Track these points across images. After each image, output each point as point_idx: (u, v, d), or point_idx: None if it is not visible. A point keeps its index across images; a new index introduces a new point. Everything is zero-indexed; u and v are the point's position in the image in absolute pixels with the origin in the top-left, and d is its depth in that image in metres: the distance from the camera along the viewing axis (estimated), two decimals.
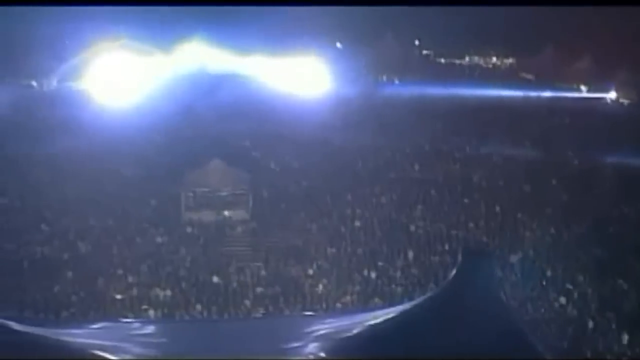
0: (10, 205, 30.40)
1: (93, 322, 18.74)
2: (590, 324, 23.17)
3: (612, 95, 38.94)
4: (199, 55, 38.06)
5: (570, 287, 25.12)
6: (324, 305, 25.15)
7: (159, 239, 28.97)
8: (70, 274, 26.58)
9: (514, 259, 26.76)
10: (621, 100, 38.61)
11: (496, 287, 15.91)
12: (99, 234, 29.02)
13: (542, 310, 23.96)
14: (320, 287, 26.43)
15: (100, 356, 15.17)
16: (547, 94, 38.60)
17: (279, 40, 37.61)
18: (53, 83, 39.05)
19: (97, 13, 34.84)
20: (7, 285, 25.36)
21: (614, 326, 22.87)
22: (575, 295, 24.76)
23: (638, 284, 24.61)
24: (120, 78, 36.03)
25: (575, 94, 39.13)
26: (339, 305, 25.16)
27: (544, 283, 25.51)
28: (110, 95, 35.64)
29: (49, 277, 26.42)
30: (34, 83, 39.14)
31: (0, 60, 37.92)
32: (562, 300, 24.56)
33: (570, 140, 32.58)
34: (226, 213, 30.53)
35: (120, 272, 26.81)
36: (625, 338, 22.26)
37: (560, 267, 26.17)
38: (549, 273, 26.00)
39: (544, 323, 22.60)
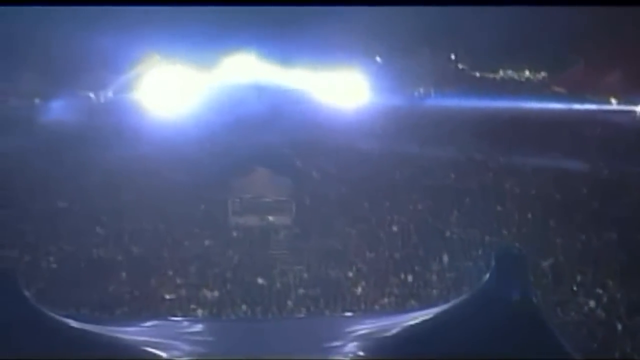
0: (69, 209, 30.65)
1: (145, 320, 18.85)
2: (619, 327, 22.92)
3: None
4: (245, 69, 38.05)
5: (600, 291, 24.88)
6: (363, 307, 25.13)
7: (206, 242, 29.07)
8: (123, 274, 26.79)
9: (545, 264, 26.55)
10: None
11: (528, 291, 15.69)
12: (151, 237, 29.19)
13: (572, 313, 23.76)
14: (359, 289, 26.39)
15: (151, 353, 15.22)
16: (578, 106, 38.15)
17: (322, 54, 37.50)
18: (109, 94, 39.21)
19: (149, 27, 34.97)
20: (65, 285, 25.60)
21: None
22: (605, 299, 24.50)
23: None
24: (171, 90, 36.13)
25: (606, 107, 38.61)
26: (377, 306, 25.12)
27: (575, 288, 25.28)
28: (161, 106, 35.75)
29: (104, 277, 26.65)
30: (92, 94, 39.35)
31: (61, 74, 38.26)
32: (592, 304, 24.33)
33: (601, 151, 32.23)
34: (270, 218, 30.55)
35: (170, 273, 26.97)
36: None
37: (590, 273, 25.93)
38: (579, 278, 25.77)
39: (574, 326, 22.40)
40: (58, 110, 36.97)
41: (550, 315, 16.38)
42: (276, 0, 35.61)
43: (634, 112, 38.07)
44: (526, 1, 34.87)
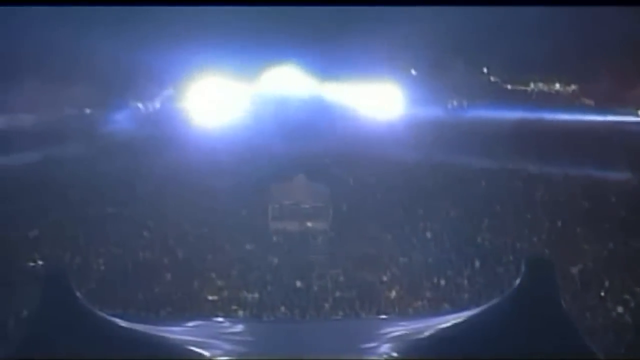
0: (117, 214, 30.87)
1: (188, 320, 18.88)
2: None
3: None
4: (286, 81, 38.16)
5: (627, 297, 24.59)
6: (397, 309, 25.02)
7: (247, 246, 29.12)
8: (168, 276, 26.90)
9: (574, 270, 26.31)
10: None
11: (557, 296, 15.60)
12: (195, 241, 29.31)
13: (600, 318, 23.49)
14: (394, 292, 26.30)
15: (194, 351, 15.28)
16: (607, 118, 37.85)
17: (360, 67, 37.54)
18: (156, 105, 39.51)
19: (194, 41, 35.22)
20: (113, 286, 25.77)
21: None
22: (632, 305, 24.22)
23: None
24: (214, 100, 36.35)
25: (633, 119, 38.30)
26: (410, 309, 25.01)
27: (603, 293, 25.02)
28: (206, 116, 35.99)
29: (150, 279, 26.76)
30: (140, 105, 39.67)
31: (111, 86, 38.61)
32: (620, 309, 24.05)
33: (628, 161, 31.91)
34: (308, 224, 30.56)
35: (212, 275, 27.04)
36: None
37: (618, 279, 25.64)
38: (607, 284, 25.49)
39: (602, 330, 22.14)
40: (108, 119, 37.34)
41: (579, 320, 16.21)
42: (276, 0, 35.67)
43: None
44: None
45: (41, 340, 14.82)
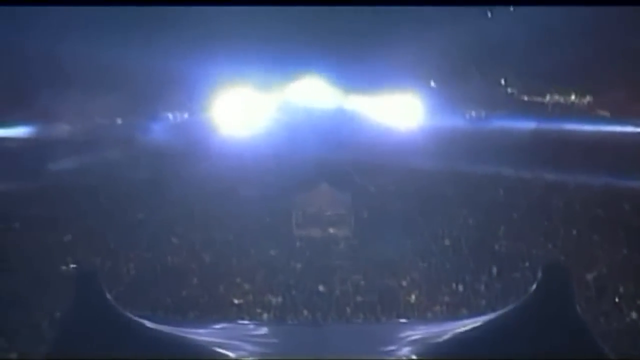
0: (146, 220, 31.03)
1: (214, 323, 18.91)
2: None
3: None
4: (310, 92, 38.25)
5: None
6: (416, 314, 24.95)
7: (272, 252, 29.17)
8: (195, 280, 27.00)
9: (589, 276, 26.16)
10: None
11: (572, 301, 15.49)
12: (221, 246, 29.41)
13: (615, 323, 23.34)
14: (413, 297, 26.26)
15: (220, 353, 15.29)
16: (621, 129, 37.65)
17: (380, 80, 37.56)
18: (184, 116, 39.70)
19: (221, 52, 35.40)
20: (142, 289, 25.88)
21: None
22: None
23: None
24: (239, 111, 36.46)
25: None
26: (429, 313, 24.93)
27: (617, 299, 24.87)
28: (232, 126, 36.10)
29: (177, 282, 26.88)
30: (170, 115, 39.89)
31: (142, 96, 38.85)
32: (634, 315, 23.90)
33: None
34: (331, 230, 30.58)
35: (238, 280, 27.10)
36: None
37: (631, 285, 25.47)
38: (621, 290, 25.33)
39: (616, 335, 22.00)
40: (138, 129, 37.53)
41: (594, 326, 16.12)
42: (277, 1, 35.64)
43: None
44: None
45: (73, 340, 14.91)
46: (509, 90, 44.87)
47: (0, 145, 35.10)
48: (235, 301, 26.03)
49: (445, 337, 15.75)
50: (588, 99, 43.78)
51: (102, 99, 38.15)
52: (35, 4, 32.31)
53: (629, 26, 36.69)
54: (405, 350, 15.25)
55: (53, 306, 23.44)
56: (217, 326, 17.61)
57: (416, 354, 15.11)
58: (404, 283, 27.02)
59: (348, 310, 25.48)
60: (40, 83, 35.15)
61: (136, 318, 15.91)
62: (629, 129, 37.68)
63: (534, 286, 15.71)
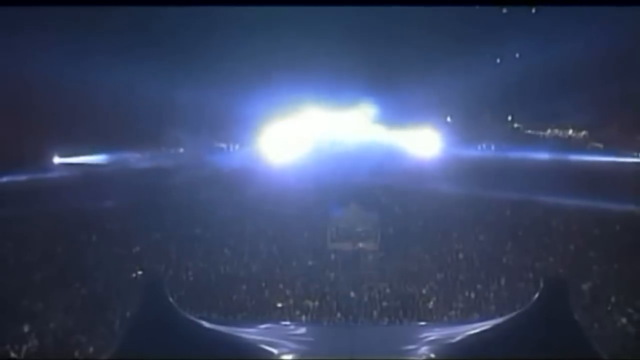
0: (203, 235, 31.17)
1: (260, 323, 19.01)
2: None
3: None
4: (344, 125, 38.45)
5: (630, 311, 24.07)
6: (434, 317, 24.79)
7: (309, 263, 29.16)
8: (244, 286, 27.03)
9: (584, 287, 25.87)
10: None
11: (570, 308, 15.40)
12: (266, 257, 29.45)
13: (607, 328, 23.02)
14: (431, 303, 26.10)
15: (265, 349, 15.33)
16: (613, 159, 37.34)
17: (405, 116, 37.69)
18: (236, 146, 40.03)
19: (265, 90, 35.86)
20: (199, 294, 25.98)
21: None
22: (635, 317, 23.71)
23: None
24: (283, 142, 36.70)
25: (636, 159, 37.78)
26: (445, 317, 24.76)
27: (609, 307, 24.55)
28: (276, 155, 36.33)
29: (229, 288, 26.92)
30: (224, 145, 40.24)
31: (201, 129, 39.28)
32: (624, 320, 23.57)
33: (632, 194, 31.28)
34: (360, 245, 30.49)
35: (280, 286, 27.10)
36: None
37: (622, 295, 25.12)
38: (613, 299, 25.00)
39: (608, 339, 21.68)
40: (197, 157, 37.88)
41: (589, 329, 15.93)
42: (276, 1, 35.56)
43: None
44: None
45: (141, 336, 15.04)
46: (515, 125, 44.69)
47: (83, 171, 35.70)
48: (278, 305, 26.01)
49: (459, 338, 15.73)
50: (584, 133, 43.48)
51: (167, 132, 38.65)
52: (35, 4, 31.84)
53: (619, 74, 36.65)
54: (425, 350, 15.23)
55: (124, 308, 23.64)
56: (263, 326, 17.69)
57: (434, 353, 15.10)
58: (424, 291, 26.86)
59: (375, 313, 25.37)
60: (114, 116, 35.77)
61: (194, 318, 16.04)
62: (620, 159, 37.41)
63: (537, 295, 15.63)
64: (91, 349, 21.89)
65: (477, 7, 41.92)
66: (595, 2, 33.46)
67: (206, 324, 16.01)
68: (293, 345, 15.69)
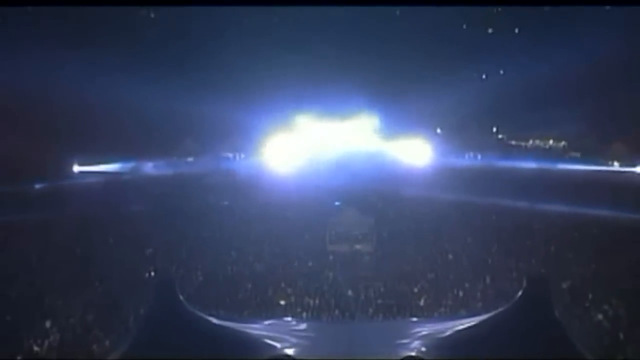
0: (211, 238, 31.15)
1: (264, 319, 18.91)
2: (621, 336, 22.13)
3: (638, 169, 37.59)
4: (341, 137, 38.59)
5: (606, 307, 24.00)
6: (425, 314, 24.71)
7: (310, 263, 29.10)
8: (249, 285, 26.94)
9: (564, 285, 25.81)
10: None
11: (551, 305, 15.36)
12: (270, 258, 29.40)
13: (586, 324, 22.95)
14: (422, 300, 26.02)
15: (269, 344, 15.28)
16: (590, 167, 37.50)
17: (398, 127, 37.88)
18: (242, 155, 40.11)
19: (268, 103, 36.08)
20: (208, 292, 25.92)
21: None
22: (610, 313, 23.64)
23: None
24: (285, 151, 36.85)
25: (610, 168, 37.93)
26: (435, 314, 24.68)
27: (587, 304, 24.49)
28: (279, 163, 36.48)
29: (236, 287, 26.84)
30: (230, 155, 40.32)
31: (208, 140, 39.35)
32: (600, 317, 23.50)
33: (607, 200, 31.28)
34: (357, 246, 30.48)
35: (283, 285, 27.00)
36: None
37: (599, 293, 25.04)
38: (590, 297, 24.93)
39: (586, 334, 21.60)
40: (205, 166, 37.99)
41: (568, 325, 15.88)
42: (276, 1, 35.54)
43: (632, 172, 37.37)
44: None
45: (153, 331, 14.99)
46: (500, 136, 44.90)
47: (101, 178, 35.81)
48: (281, 302, 25.91)
49: (448, 332, 15.71)
50: (563, 143, 43.69)
51: (178, 143, 38.78)
52: (35, 4, 31.15)
53: (595, 90, 37.00)
54: (416, 344, 15.19)
55: (138, 305, 23.57)
56: (266, 322, 17.62)
57: (425, 347, 15.04)
58: (415, 289, 26.78)
59: (371, 310, 25.27)
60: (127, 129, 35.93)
61: (203, 315, 15.97)
62: (596, 167, 37.57)
63: (520, 293, 15.59)
64: (107, 342, 21.81)
65: (464, 28, 42.42)
66: (596, 2, 33.57)
67: (214, 320, 15.96)
68: (294, 340, 15.64)
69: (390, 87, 39.00)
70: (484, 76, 43.91)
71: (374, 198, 34.74)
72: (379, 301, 25.91)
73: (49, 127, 34.96)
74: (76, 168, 36.48)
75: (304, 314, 24.91)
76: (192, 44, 38.97)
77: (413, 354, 14.66)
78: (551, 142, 44.49)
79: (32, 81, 32.28)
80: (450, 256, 29.43)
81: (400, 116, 38.13)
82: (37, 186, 32.71)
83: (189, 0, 34.82)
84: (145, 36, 39.70)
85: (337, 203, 33.43)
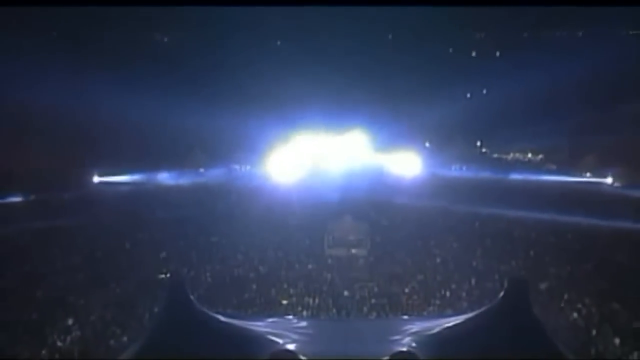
0: (219, 242, 31.14)
1: (268, 317, 18.92)
2: (594, 332, 22.10)
3: (608, 180, 37.69)
4: (341, 151, 38.73)
5: (580, 306, 23.99)
6: (415, 312, 24.69)
7: (310, 266, 29.09)
8: (254, 286, 26.92)
9: (542, 286, 25.80)
10: (615, 184, 37.46)
11: (530, 305, 15.39)
12: (273, 261, 29.38)
13: (561, 321, 22.93)
14: (413, 300, 26.01)
15: (271, 340, 15.29)
16: (565, 178, 37.62)
17: (391, 142, 38.02)
18: (247, 167, 40.19)
19: (272, 119, 36.26)
20: (216, 292, 25.90)
21: (610, 334, 21.77)
22: (584, 312, 23.62)
23: (628, 306, 23.31)
24: (287, 163, 36.93)
25: (583, 179, 38.06)
26: (424, 312, 24.67)
27: (562, 304, 24.48)
28: (281, 174, 36.57)
29: (241, 287, 26.82)
30: (237, 167, 40.40)
31: (218, 152, 39.45)
32: (575, 315, 23.48)
33: (580, 207, 31.28)
34: (353, 251, 30.46)
35: (285, 286, 26.99)
36: (617, 342, 21.38)
37: (574, 293, 25.04)
38: (565, 297, 24.91)
39: (562, 331, 21.59)
40: (215, 176, 38.03)
41: (545, 322, 15.88)
42: (276, 1, 35.40)
43: (603, 182, 37.51)
44: None
45: (166, 328, 14.99)
46: (483, 150, 44.97)
47: (118, 188, 35.85)
48: (283, 302, 25.89)
49: (437, 330, 15.78)
50: (541, 156, 43.76)
51: (196, 156, 38.99)
52: (36, 4, 30.51)
53: (570, 108, 37.24)
54: (407, 340, 15.22)
55: (152, 304, 23.56)
56: (270, 320, 17.65)
57: (415, 342, 15.07)
58: (406, 290, 26.76)
59: (365, 309, 25.25)
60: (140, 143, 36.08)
61: (212, 313, 15.98)
62: (571, 178, 37.71)
63: (502, 293, 15.60)
64: (124, 338, 21.77)
65: (450, 51, 42.78)
66: (595, 2, 33.60)
67: (222, 318, 15.98)
68: (295, 337, 15.67)
69: (384, 105, 39.13)
70: (468, 95, 44.05)
71: (368, 206, 34.72)
72: (373, 300, 25.89)
73: (72, 141, 35.25)
74: (96, 179, 36.48)
75: (304, 313, 24.89)
76: (204, 66, 39.37)
77: (404, 349, 14.68)
78: (530, 155, 44.59)
79: (58, 100, 32.47)
80: (438, 259, 29.41)
81: (392, 131, 38.24)
82: (61, 195, 32.68)
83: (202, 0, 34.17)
84: (160, 59, 39.97)
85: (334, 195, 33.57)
